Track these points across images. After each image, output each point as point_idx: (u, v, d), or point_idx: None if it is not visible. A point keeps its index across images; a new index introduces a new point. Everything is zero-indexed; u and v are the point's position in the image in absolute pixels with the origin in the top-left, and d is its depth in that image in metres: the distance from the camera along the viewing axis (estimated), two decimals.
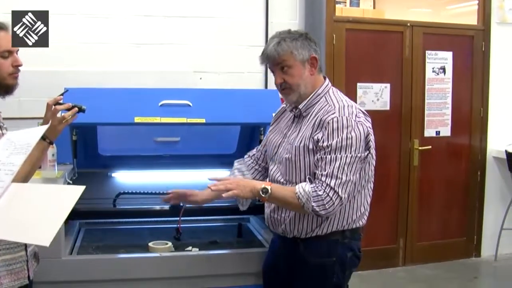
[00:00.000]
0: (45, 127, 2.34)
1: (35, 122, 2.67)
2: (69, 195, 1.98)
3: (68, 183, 3.20)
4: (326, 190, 2.52)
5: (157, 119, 3.29)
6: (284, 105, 2.93)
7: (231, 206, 3.58)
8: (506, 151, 5.84)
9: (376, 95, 5.64)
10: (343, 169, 2.54)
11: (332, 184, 2.53)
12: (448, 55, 5.91)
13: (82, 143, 3.53)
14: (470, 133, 6.09)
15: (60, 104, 2.57)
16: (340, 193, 2.54)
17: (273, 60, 2.70)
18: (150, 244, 3.16)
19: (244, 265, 3.12)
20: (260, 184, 2.63)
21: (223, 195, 2.61)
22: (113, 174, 3.67)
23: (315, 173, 2.60)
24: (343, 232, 2.72)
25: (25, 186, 2.21)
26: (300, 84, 2.69)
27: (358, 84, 5.57)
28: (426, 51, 5.82)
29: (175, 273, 3.04)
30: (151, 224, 3.58)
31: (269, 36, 4.95)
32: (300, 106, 2.74)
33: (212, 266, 3.10)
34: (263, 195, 2.60)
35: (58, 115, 2.54)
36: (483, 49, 6.00)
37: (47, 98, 2.58)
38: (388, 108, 5.71)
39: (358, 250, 2.80)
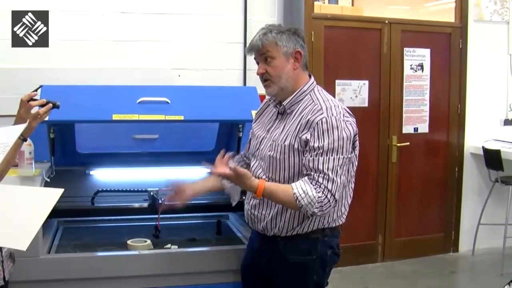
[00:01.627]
0: (23, 126, 2.32)
1: (10, 120, 2.63)
2: (47, 197, 1.95)
3: (46, 181, 3.18)
4: (324, 193, 2.52)
5: (135, 116, 3.27)
6: (268, 99, 2.91)
7: (210, 203, 3.60)
8: (483, 147, 5.89)
9: (355, 92, 5.66)
10: (337, 171, 2.54)
11: (329, 187, 2.52)
12: (426, 52, 5.95)
13: (59, 141, 3.51)
14: (448, 130, 6.14)
15: (34, 100, 2.54)
16: (336, 195, 2.54)
17: (257, 50, 2.70)
18: (129, 242, 3.15)
19: (223, 262, 3.11)
20: (253, 191, 2.61)
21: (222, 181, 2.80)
22: (91, 172, 3.64)
23: (303, 173, 2.58)
24: (323, 231, 2.72)
25: (0, 187, 2.18)
26: (281, 77, 2.68)
27: (337, 81, 5.59)
28: (404, 48, 5.86)
29: (154, 271, 3.03)
30: (130, 221, 3.57)
31: (248, 33, 5.02)
32: (284, 103, 2.73)
33: (191, 264, 3.09)
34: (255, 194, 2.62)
35: (32, 111, 2.52)
36: (461, 46, 6.06)
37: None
38: (366, 105, 5.73)
39: (337, 247, 2.81)
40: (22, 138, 2.47)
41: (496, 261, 5.72)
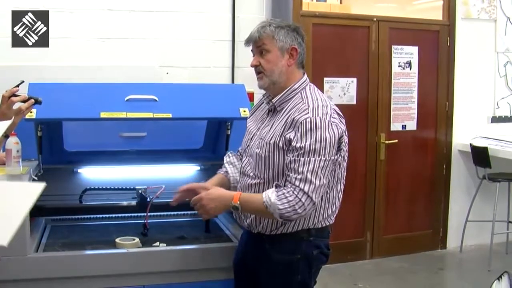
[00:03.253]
0: (7, 123, 2.30)
1: None
2: (28, 192, 1.93)
3: (34, 180, 3.16)
4: (298, 196, 2.49)
5: (123, 114, 3.26)
6: (263, 96, 2.87)
7: None
8: (471, 144, 5.92)
9: (343, 89, 5.67)
10: (317, 173, 2.51)
11: (305, 189, 2.49)
12: (414, 49, 5.97)
13: (47, 139, 3.48)
14: (436, 127, 6.17)
15: (16, 95, 2.53)
16: (313, 198, 2.51)
17: (254, 42, 2.69)
18: (117, 240, 3.13)
19: (212, 260, 3.11)
20: (229, 200, 2.63)
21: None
22: (79, 170, 3.62)
23: (286, 174, 2.58)
24: (308, 231, 2.69)
25: None
26: (274, 71, 2.66)
27: (325, 78, 5.60)
28: (392, 46, 5.87)
29: (143, 269, 3.02)
30: (118, 220, 3.55)
31: (236, 30, 5.02)
32: (274, 100, 2.71)
33: (180, 262, 3.08)
34: (234, 210, 2.65)
35: (14, 107, 2.51)
36: (448, 44, 6.08)
37: None
38: (354, 102, 5.74)
39: (327, 248, 2.77)
40: (5, 135, 2.46)
41: (484, 258, 5.75)
